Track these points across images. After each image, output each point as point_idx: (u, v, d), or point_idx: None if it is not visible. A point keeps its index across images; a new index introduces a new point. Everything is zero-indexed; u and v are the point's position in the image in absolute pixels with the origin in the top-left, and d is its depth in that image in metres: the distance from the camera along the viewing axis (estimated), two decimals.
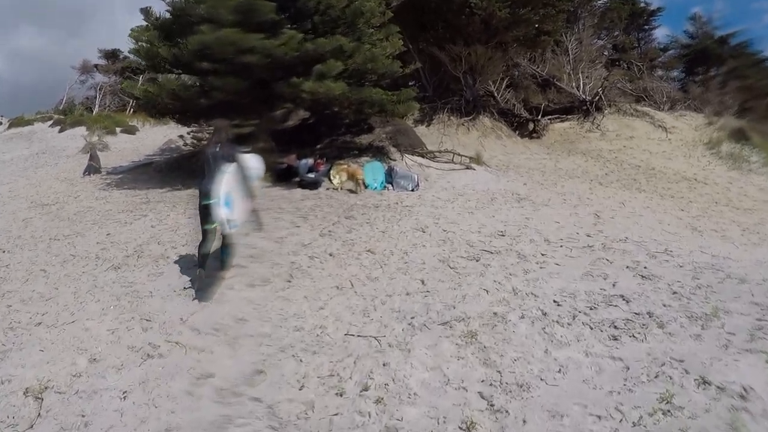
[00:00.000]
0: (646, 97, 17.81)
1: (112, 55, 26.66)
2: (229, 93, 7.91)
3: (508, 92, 15.83)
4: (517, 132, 15.20)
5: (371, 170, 8.53)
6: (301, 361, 3.08)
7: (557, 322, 3.26)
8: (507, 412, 2.40)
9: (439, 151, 10.74)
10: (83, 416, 2.62)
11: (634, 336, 2.95)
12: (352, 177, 8.10)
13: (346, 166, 8.29)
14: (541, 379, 2.64)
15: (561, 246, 5.01)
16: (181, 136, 13.25)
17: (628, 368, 2.62)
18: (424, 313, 3.59)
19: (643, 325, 3.07)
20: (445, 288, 4.03)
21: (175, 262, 4.83)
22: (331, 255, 4.94)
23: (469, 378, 2.74)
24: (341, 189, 7.99)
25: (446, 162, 10.14)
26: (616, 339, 2.95)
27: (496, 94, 15.46)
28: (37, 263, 5.17)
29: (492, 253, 4.84)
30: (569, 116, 15.43)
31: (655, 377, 2.50)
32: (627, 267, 4.21)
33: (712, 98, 16.57)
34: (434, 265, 4.58)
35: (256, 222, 4.47)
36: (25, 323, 3.74)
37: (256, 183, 4.45)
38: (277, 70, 7.92)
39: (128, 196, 8.45)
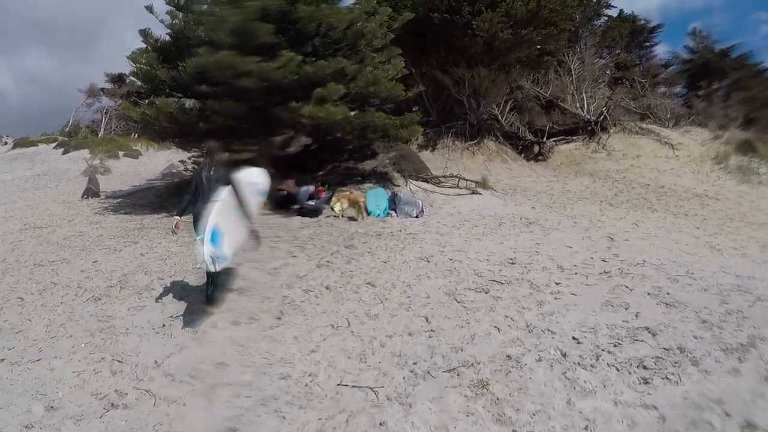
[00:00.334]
0: (651, 114, 17.61)
1: (118, 79, 27.06)
2: (228, 117, 7.72)
3: (512, 115, 15.71)
4: (522, 155, 14.97)
5: (374, 196, 8.20)
6: (284, 418, 2.70)
7: (579, 364, 2.95)
8: None
9: (444, 176, 10.36)
10: None
11: (667, 378, 2.69)
12: (353, 204, 7.75)
13: (347, 193, 7.95)
14: None
15: (576, 273, 4.68)
16: (182, 161, 13.17)
17: (665, 419, 2.37)
18: (428, 357, 3.22)
19: (675, 363, 2.81)
20: (451, 326, 3.65)
21: (160, 295, 4.50)
22: (327, 288, 4.58)
23: None
24: (342, 216, 7.64)
25: (451, 187, 9.80)
26: (647, 382, 2.67)
27: (500, 117, 15.33)
28: (16, 290, 4.99)
29: (502, 283, 4.48)
30: (574, 137, 15.22)
31: (693, 426, 2.27)
32: (648, 294, 3.93)
33: (716, 112, 16.41)
34: (439, 298, 4.21)
35: (255, 242, 4.26)
36: None
37: (261, 199, 4.33)
38: (275, 94, 7.72)
39: (122, 221, 8.21)
